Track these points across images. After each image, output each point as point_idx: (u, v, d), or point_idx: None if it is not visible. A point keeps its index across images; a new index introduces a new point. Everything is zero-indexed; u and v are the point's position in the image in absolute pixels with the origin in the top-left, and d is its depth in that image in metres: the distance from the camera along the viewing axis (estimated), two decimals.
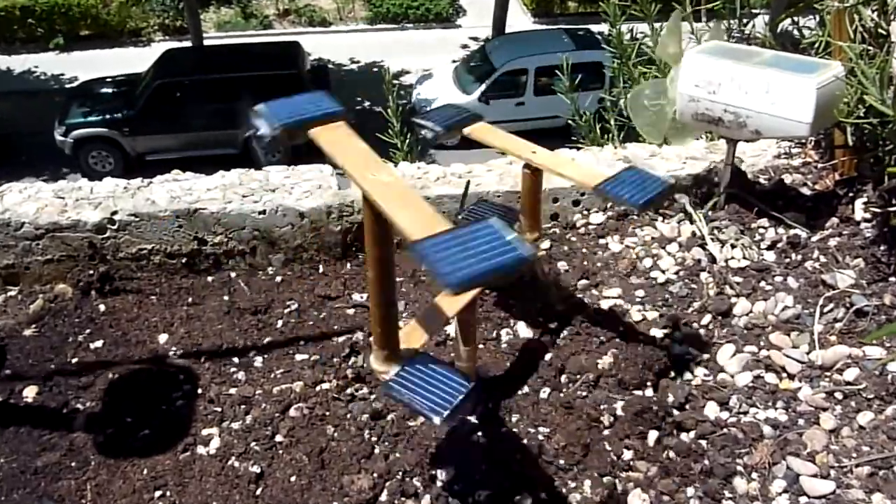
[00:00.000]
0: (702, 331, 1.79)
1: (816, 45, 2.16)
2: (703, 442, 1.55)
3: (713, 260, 1.96)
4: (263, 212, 2.06)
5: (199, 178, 2.17)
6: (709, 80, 1.92)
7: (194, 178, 2.17)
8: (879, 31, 1.90)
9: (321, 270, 2.09)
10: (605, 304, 1.89)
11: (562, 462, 1.52)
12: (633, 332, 1.79)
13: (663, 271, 1.97)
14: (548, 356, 1.75)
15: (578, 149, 2.48)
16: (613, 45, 2.98)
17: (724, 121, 1.93)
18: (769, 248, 1.97)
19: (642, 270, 1.98)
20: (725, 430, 1.56)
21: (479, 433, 1.57)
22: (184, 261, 2.08)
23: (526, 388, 1.68)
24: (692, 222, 2.08)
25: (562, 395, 1.66)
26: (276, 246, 2.10)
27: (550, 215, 2.20)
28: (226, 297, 2.01)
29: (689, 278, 1.93)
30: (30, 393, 1.72)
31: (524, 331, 1.83)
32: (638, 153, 2.32)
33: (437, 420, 1.15)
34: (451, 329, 1.78)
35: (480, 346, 1.80)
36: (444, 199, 2.14)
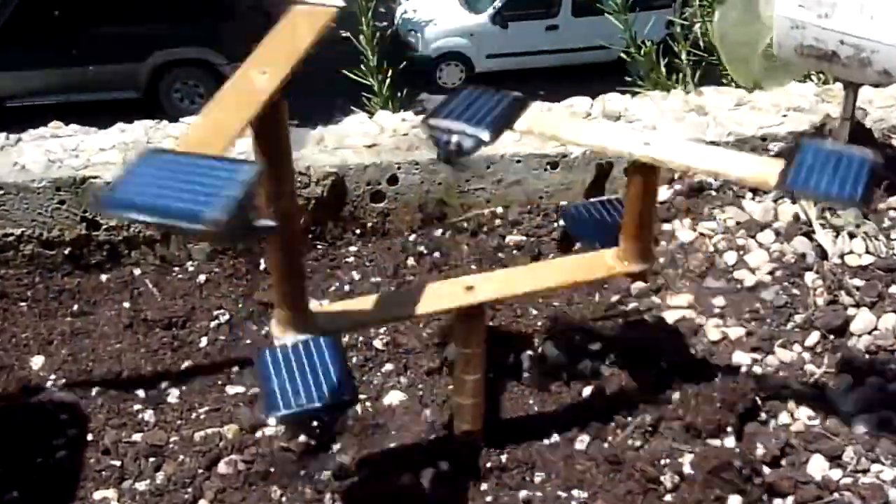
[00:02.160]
0: (806, 354, 1.83)
1: None
2: None
3: (823, 255, 2.00)
4: None
5: (90, 134, 2.20)
6: None
7: (82, 134, 2.20)
8: None
9: (262, 266, 2.13)
10: (669, 317, 1.92)
11: None
12: (708, 356, 1.83)
13: (753, 270, 2.00)
14: (586, 391, 1.79)
15: (634, 93, 2.52)
16: None
17: (839, 56, 1.96)
18: None
19: (723, 269, 2.01)
20: (837, 495, 1.60)
21: (487, 498, 1.61)
22: (67, 252, 2.11)
23: (555, 436, 1.72)
24: (794, 201, 2.12)
25: (606, 445, 1.70)
26: None
27: (590, 185, 2.25)
28: (126, 305, 2.04)
29: (790, 281, 1.97)
30: None
31: (553, 354, 1.87)
32: (719, 101, 2.36)
33: (271, 418, 1.24)
34: (449, 351, 1.82)
35: (491, 374, 1.84)
36: (440, 163, 2.18)
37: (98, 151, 2.14)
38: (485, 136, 1.45)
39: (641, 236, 1.61)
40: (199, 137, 1.16)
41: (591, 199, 2.00)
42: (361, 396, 1.80)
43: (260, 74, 1.27)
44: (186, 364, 1.90)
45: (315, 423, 1.28)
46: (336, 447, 1.70)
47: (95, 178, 2.07)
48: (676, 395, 1.74)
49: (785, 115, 2.29)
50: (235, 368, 1.88)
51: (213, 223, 0.98)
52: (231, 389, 1.84)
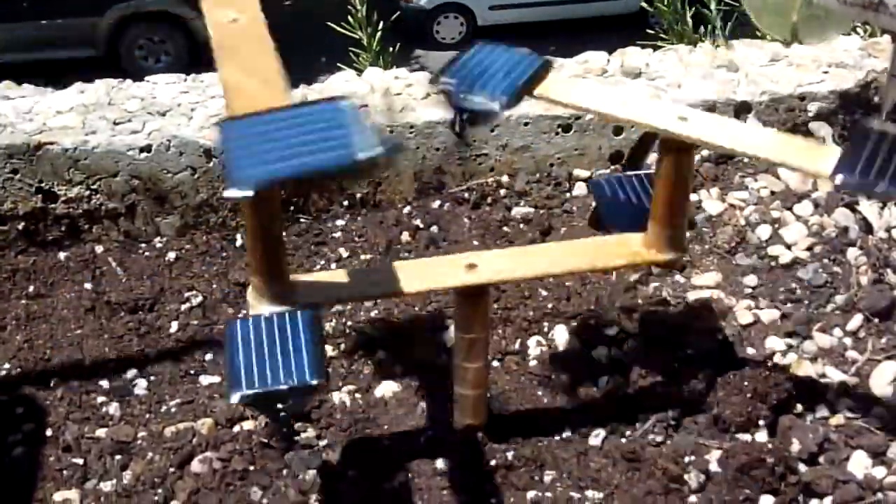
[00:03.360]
0: (847, 339, 1.85)
1: None
2: None
3: (868, 229, 2.01)
4: (147, 148, 2.11)
5: (45, 95, 2.21)
6: None
7: (37, 95, 2.21)
8: None
9: (240, 243, 2.15)
10: (694, 297, 1.94)
11: None
12: (738, 341, 1.85)
13: (788, 246, 2.02)
14: (602, 381, 1.81)
15: (657, 47, 2.53)
16: None
17: (887, 4, 1.97)
18: None
19: (755, 244, 2.03)
20: (881, 495, 1.62)
21: (492, 500, 1.63)
22: (20, 227, 2.13)
23: (567, 431, 1.74)
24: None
25: (624, 440, 1.72)
26: (167, 203, 2.15)
27: (611, 155, 2.26)
28: (88, 286, 2.06)
29: (830, 258, 1.99)
30: None
31: (564, 339, 1.89)
32: (751, 55, 2.37)
33: (233, 398, 1.27)
34: (450, 335, 1.84)
35: (496, 362, 1.86)
36: (437, 127, 2.19)
37: (55, 115, 2.15)
38: (503, 102, 1.44)
39: (673, 223, 1.56)
40: (252, 93, 1.25)
41: (633, 172, 1.86)
42: (350, 387, 1.82)
43: (231, 24, 1.31)
44: (155, 351, 1.92)
45: (281, 409, 1.29)
46: (322, 443, 1.73)
47: (52, 143, 2.08)
48: (702, 386, 1.76)
49: (826, 72, 2.30)
50: (209, 356, 1.90)
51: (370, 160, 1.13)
52: (205, 380, 1.86)
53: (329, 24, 3.15)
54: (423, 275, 1.53)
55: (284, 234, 2.14)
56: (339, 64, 2.74)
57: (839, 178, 1.33)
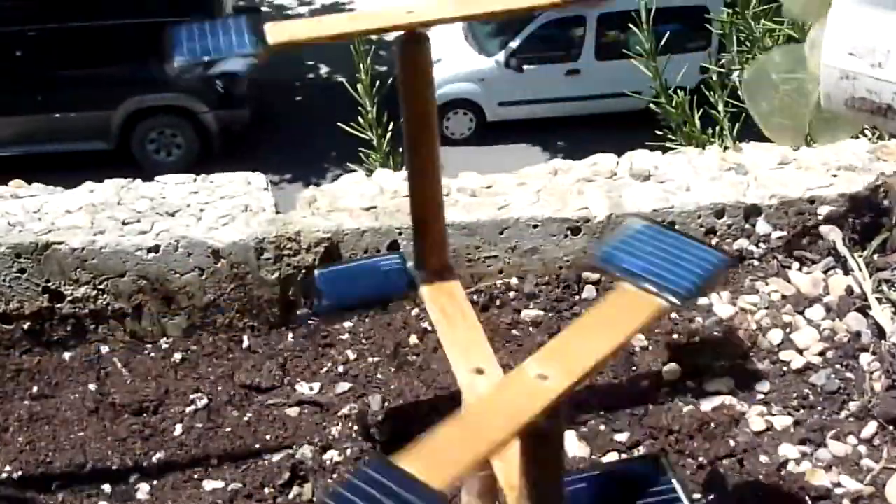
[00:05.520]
0: (862, 448, 1.83)
1: None
2: None
3: (881, 334, 2.00)
4: (155, 248, 2.11)
5: (55, 194, 2.23)
6: (871, 44, 1.98)
7: (46, 194, 2.22)
8: None
9: (246, 345, 2.14)
10: (706, 404, 1.93)
11: None
12: (751, 448, 1.82)
13: (801, 351, 2.01)
14: None
15: (666, 149, 2.54)
16: None
17: None
18: None
19: (767, 349, 2.02)
20: None
21: None
22: (26, 326, 2.13)
23: None
24: (847, 272, 2.13)
25: None
26: (174, 304, 2.15)
27: None
28: (92, 387, 2.05)
29: (843, 363, 1.97)
30: None
31: (575, 447, 1.87)
32: (760, 158, 2.38)
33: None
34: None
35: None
36: (450, 230, 2.19)
37: (63, 214, 2.16)
38: None
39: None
40: None
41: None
42: None
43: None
44: (159, 455, 1.90)
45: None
46: None
47: (59, 243, 2.09)
48: (716, 496, 1.73)
49: (835, 175, 2.30)
50: (214, 461, 1.88)
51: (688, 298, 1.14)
52: (209, 485, 1.84)
53: (340, 124, 3.18)
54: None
55: (290, 335, 2.15)
56: (348, 163, 2.76)
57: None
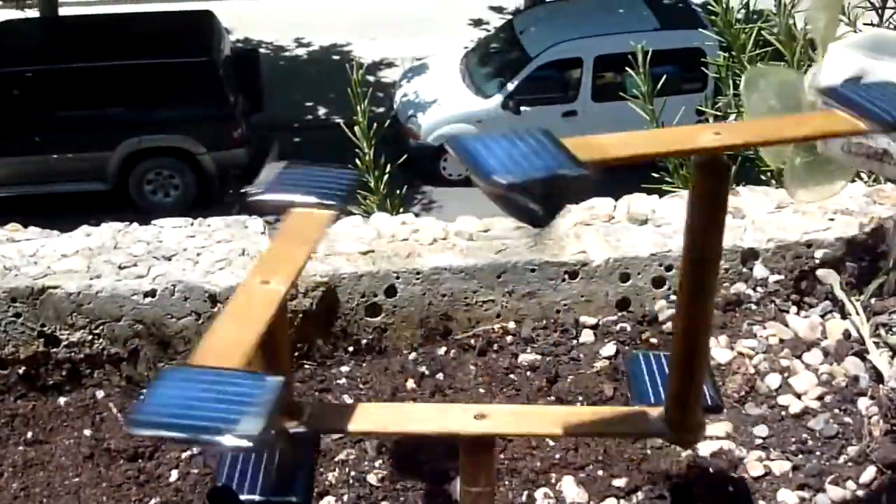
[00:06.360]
0: (861, 492, 1.82)
1: None
2: None
3: (879, 378, 2.00)
4: (152, 293, 2.11)
5: (50, 238, 2.23)
6: None
7: (42, 238, 2.22)
8: None
9: None
10: (705, 449, 1.92)
11: None
12: (750, 494, 1.81)
13: (799, 396, 2.00)
14: None
15: (663, 192, 2.55)
16: (720, 23, 3.08)
17: (892, 154, 1.99)
18: None
19: (765, 394, 2.01)
20: None
21: None
22: (21, 371, 2.12)
23: None
24: (845, 316, 2.13)
25: None
26: (170, 348, 2.14)
27: (618, 301, 2.26)
28: (87, 432, 2.04)
29: (841, 408, 1.97)
30: None
31: (573, 492, 1.86)
32: (757, 202, 2.39)
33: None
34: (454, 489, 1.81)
35: None
36: (444, 273, 2.19)
37: (60, 258, 2.16)
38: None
39: (687, 400, 1.49)
40: (217, 350, 1.23)
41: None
42: None
43: (262, 284, 1.33)
44: (154, 501, 1.89)
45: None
46: None
47: (55, 287, 2.09)
48: None
49: (832, 219, 2.31)
50: None
51: (246, 436, 1.06)
52: None
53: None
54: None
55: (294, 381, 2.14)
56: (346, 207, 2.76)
57: None
